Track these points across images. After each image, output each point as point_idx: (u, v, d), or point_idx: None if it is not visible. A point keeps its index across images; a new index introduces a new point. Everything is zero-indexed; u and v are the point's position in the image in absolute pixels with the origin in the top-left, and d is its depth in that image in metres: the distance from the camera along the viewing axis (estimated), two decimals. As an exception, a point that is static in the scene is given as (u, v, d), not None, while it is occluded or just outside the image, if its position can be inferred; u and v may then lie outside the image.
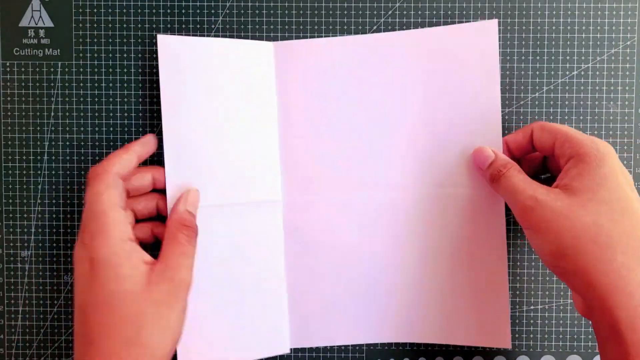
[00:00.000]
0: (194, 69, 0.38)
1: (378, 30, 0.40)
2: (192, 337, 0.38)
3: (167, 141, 0.38)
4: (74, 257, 0.34)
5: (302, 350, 0.41)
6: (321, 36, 0.40)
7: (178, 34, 0.40)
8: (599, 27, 0.40)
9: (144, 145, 0.38)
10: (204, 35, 0.40)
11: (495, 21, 0.39)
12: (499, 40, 0.40)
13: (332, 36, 0.40)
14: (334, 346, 0.41)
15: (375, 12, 0.40)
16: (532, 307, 0.41)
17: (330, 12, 0.41)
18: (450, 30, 0.39)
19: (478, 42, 0.39)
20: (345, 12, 0.40)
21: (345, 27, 0.40)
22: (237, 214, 0.39)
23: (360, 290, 0.40)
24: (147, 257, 0.34)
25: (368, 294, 0.40)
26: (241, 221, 0.39)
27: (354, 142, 0.40)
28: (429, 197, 0.39)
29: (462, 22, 0.40)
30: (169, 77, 0.38)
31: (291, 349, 0.41)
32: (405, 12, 0.40)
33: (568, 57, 0.41)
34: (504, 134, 0.40)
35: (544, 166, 0.39)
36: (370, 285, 0.40)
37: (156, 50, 0.40)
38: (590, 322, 0.41)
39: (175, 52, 0.38)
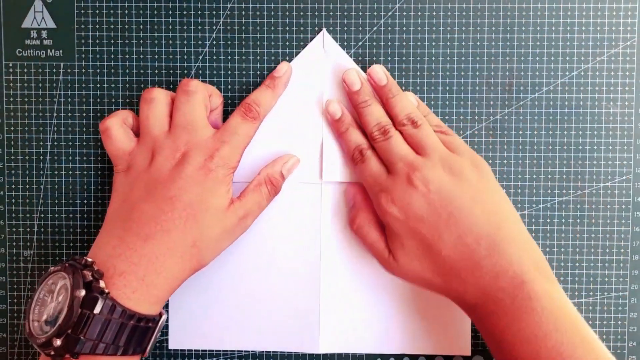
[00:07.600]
0: None
1: (378, 31, 0.41)
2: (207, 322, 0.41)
3: None
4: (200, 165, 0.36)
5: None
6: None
7: (179, 35, 0.41)
8: (599, 27, 0.40)
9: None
10: (205, 36, 0.41)
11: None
12: (499, 41, 0.40)
13: (332, 37, 0.41)
14: (334, 353, 0.41)
15: (375, 13, 0.41)
16: (532, 307, 0.41)
17: (331, 13, 0.41)
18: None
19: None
20: (345, 13, 0.41)
21: (345, 28, 0.41)
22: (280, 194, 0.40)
23: (327, 300, 0.41)
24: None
25: (334, 304, 0.41)
26: (283, 201, 0.41)
27: None
28: None
29: (461, 22, 0.40)
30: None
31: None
32: (405, 13, 0.41)
33: (568, 57, 0.41)
34: (506, 135, 0.40)
35: None
36: (335, 295, 0.41)
37: (156, 50, 0.41)
38: (591, 322, 0.41)
39: None
